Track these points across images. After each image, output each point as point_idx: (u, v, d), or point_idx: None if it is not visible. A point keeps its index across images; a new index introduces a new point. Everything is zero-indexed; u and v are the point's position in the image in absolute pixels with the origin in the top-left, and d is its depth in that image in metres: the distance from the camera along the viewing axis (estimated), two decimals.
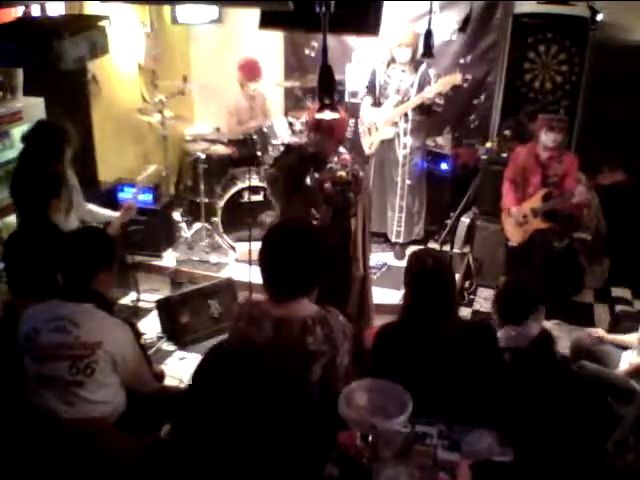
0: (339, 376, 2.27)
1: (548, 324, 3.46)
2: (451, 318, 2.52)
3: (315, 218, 3.58)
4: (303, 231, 2.34)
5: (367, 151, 5.27)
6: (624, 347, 3.51)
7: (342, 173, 3.52)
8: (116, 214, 3.91)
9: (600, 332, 3.65)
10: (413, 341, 2.45)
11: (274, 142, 5.26)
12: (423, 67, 4.97)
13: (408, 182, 5.21)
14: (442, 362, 2.38)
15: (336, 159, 3.63)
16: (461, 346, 2.43)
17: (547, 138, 4.40)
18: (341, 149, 3.75)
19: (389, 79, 5.06)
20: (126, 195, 5.04)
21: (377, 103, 5.15)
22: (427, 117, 5.12)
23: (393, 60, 5.02)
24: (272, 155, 5.12)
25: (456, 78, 4.87)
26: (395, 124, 5.08)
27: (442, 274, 2.54)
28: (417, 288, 2.53)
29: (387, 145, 5.17)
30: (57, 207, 3.24)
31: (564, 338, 3.87)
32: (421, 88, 4.94)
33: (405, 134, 5.11)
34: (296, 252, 2.21)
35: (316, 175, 3.60)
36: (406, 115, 5.05)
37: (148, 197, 5.20)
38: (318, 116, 2.99)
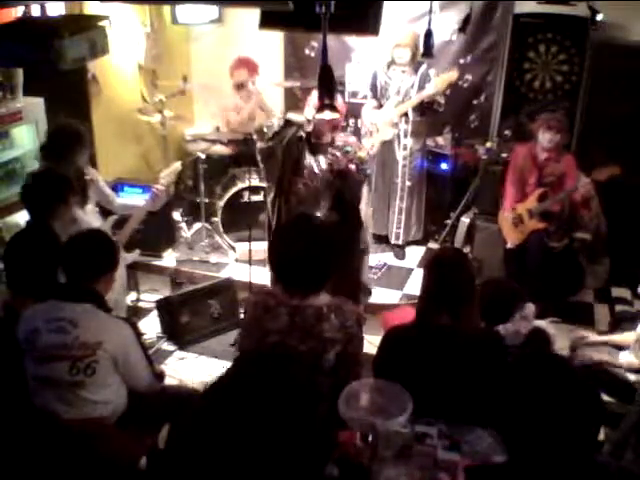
0: (350, 365, 2.29)
1: (542, 322, 3.46)
2: (468, 318, 2.47)
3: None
4: (312, 229, 2.35)
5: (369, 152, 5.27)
6: (620, 347, 3.50)
7: (362, 154, 3.78)
8: (140, 205, 3.96)
9: (592, 337, 3.64)
10: (427, 344, 2.42)
11: (269, 123, 5.23)
12: (423, 68, 4.97)
13: (408, 184, 5.21)
14: (455, 364, 2.37)
15: (341, 143, 3.76)
16: (474, 349, 2.42)
17: (544, 138, 4.39)
18: (342, 135, 3.86)
19: (390, 80, 5.05)
20: (131, 195, 5.07)
21: (380, 107, 5.13)
22: (427, 118, 5.12)
23: (393, 61, 5.01)
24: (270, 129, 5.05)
25: (453, 75, 4.86)
26: (395, 125, 5.08)
27: (462, 265, 2.50)
28: (436, 289, 2.45)
29: (387, 147, 5.16)
30: (59, 212, 3.25)
31: (563, 338, 3.86)
32: (421, 89, 4.93)
33: (405, 135, 5.10)
34: (306, 251, 2.22)
35: (322, 159, 3.70)
36: (406, 116, 5.04)
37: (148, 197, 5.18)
38: (318, 116, 3.00)
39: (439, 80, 4.87)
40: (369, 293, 4.09)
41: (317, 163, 3.72)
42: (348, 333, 2.27)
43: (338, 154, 3.73)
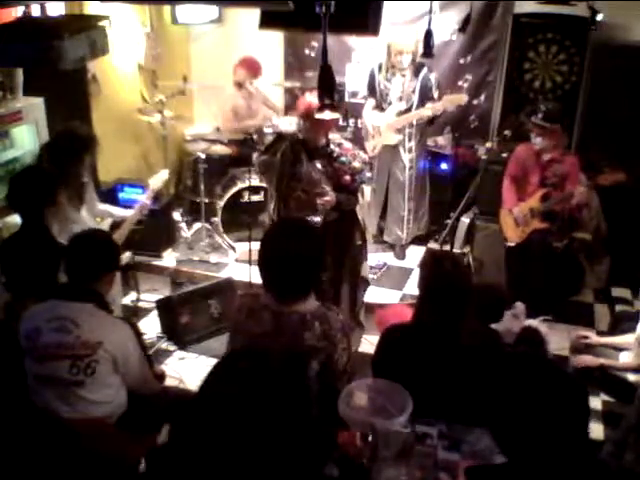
0: (337, 373, 2.28)
1: (534, 321, 3.47)
2: (466, 322, 2.47)
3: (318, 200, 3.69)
4: (301, 231, 2.34)
5: (370, 154, 5.25)
6: (620, 348, 3.50)
7: (356, 164, 3.75)
8: (129, 212, 3.95)
9: (592, 338, 3.64)
10: (425, 344, 2.42)
11: (266, 131, 5.31)
12: (424, 71, 4.94)
13: (414, 184, 5.21)
14: (455, 366, 2.36)
15: (338, 149, 3.74)
16: (473, 349, 2.42)
17: (534, 141, 4.41)
18: (339, 139, 3.83)
19: (389, 84, 5.02)
20: (131, 195, 5.07)
21: (379, 106, 5.12)
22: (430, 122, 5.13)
23: (393, 66, 4.98)
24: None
25: (462, 99, 4.88)
26: (399, 131, 5.05)
27: (460, 277, 2.50)
28: (433, 291, 2.47)
29: (392, 150, 5.15)
30: (53, 212, 3.24)
31: (563, 338, 3.87)
32: (423, 93, 4.92)
33: (410, 139, 5.10)
34: (295, 254, 2.21)
35: (318, 165, 3.70)
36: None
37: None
38: (318, 116, 2.99)
39: (446, 100, 4.87)
40: (367, 284, 4.14)
41: (314, 168, 3.72)
42: (332, 342, 2.24)
43: (335, 165, 3.72)
